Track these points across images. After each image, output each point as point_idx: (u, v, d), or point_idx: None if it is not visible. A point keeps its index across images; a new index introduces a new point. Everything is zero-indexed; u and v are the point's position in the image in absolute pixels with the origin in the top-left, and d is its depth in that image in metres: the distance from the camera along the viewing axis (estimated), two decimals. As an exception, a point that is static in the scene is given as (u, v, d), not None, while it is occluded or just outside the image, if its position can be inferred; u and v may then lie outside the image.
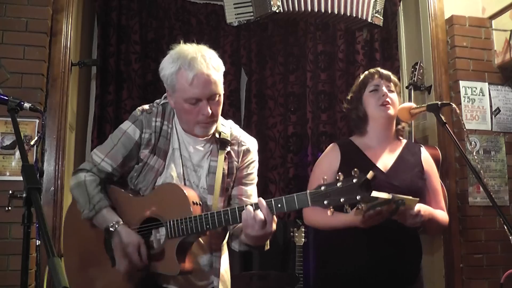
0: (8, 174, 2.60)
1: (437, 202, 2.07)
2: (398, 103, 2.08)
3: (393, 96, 2.06)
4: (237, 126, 1.83)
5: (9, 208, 2.39)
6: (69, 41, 2.85)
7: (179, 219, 1.57)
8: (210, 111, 1.61)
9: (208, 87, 1.60)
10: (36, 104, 2.54)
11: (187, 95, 1.60)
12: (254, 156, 1.80)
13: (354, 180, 1.38)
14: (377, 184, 1.81)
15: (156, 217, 1.63)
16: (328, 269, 2.06)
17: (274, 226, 1.51)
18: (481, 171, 3.02)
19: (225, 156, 1.72)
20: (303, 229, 3.30)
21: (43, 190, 2.64)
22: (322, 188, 1.41)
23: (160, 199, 1.64)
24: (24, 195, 1.15)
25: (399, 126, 2.12)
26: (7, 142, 2.62)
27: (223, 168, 1.71)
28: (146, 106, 1.76)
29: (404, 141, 2.16)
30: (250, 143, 1.80)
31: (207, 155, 1.73)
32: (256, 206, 1.48)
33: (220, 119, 1.77)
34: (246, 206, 1.49)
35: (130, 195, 1.72)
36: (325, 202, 1.40)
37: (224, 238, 1.79)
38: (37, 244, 2.36)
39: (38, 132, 2.62)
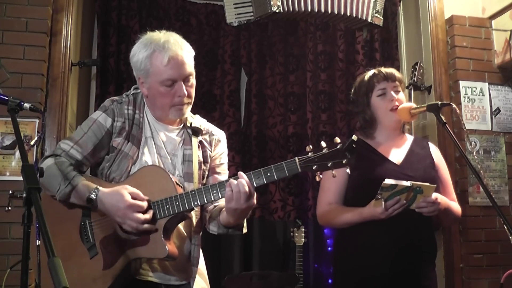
0: (8, 174, 2.60)
1: (449, 193, 2.10)
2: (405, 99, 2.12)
3: (400, 96, 2.09)
4: (205, 120, 1.86)
5: (9, 208, 2.39)
6: (69, 41, 2.85)
7: (164, 199, 1.54)
8: (185, 92, 1.64)
9: (183, 67, 1.63)
10: (36, 104, 2.54)
11: (163, 77, 1.62)
12: (224, 147, 1.84)
13: (339, 146, 1.45)
14: (392, 176, 1.85)
15: None
16: (346, 268, 2.06)
17: (255, 201, 1.52)
18: (481, 171, 3.02)
19: (198, 145, 1.74)
20: (303, 229, 3.30)
21: (43, 190, 2.64)
22: (310, 154, 1.47)
23: (140, 183, 1.58)
24: (24, 195, 1.15)
25: (404, 121, 2.14)
26: (7, 142, 2.62)
27: (198, 156, 1.72)
28: (116, 97, 1.76)
29: (410, 137, 2.19)
30: (220, 134, 1.85)
31: (181, 144, 1.73)
32: (237, 179, 1.50)
33: (189, 112, 1.78)
34: (229, 179, 1.51)
35: (106, 182, 1.65)
36: (314, 167, 1.47)
37: (201, 230, 1.77)
38: (37, 244, 2.35)
39: (38, 132, 2.63)
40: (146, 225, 1.52)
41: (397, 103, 2.06)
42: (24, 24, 2.71)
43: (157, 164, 1.67)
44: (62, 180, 1.57)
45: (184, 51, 1.64)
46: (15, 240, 2.51)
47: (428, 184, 1.84)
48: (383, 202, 1.82)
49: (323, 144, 1.47)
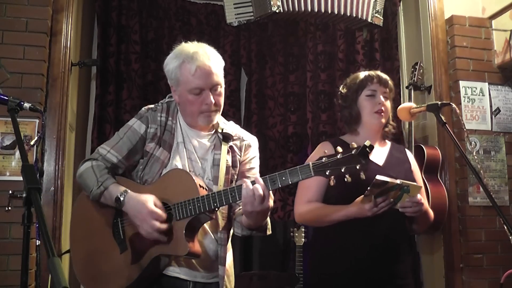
0: (8, 174, 2.60)
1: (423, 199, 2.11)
2: (390, 109, 2.15)
3: (388, 104, 2.13)
4: (238, 126, 1.94)
5: (9, 208, 2.39)
6: (69, 41, 2.85)
7: (187, 200, 1.62)
8: (213, 100, 1.72)
9: (210, 77, 1.72)
10: (36, 104, 2.54)
11: (190, 86, 1.71)
12: (255, 151, 1.90)
13: (353, 151, 1.48)
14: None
15: (164, 201, 1.68)
16: (320, 269, 2.07)
17: (271, 202, 1.58)
18: (481, 171, 3.02)
19: (228, 149, 1.81)
20: (303, 229, 3.30)
21: (43, 190, 2.65)
22: (324, 159, 1.50)
23: (167, 185, 1.69)
24: (24, 195, 1.15)
25: (386, 129, 2.17)
26: (7, 142, 2.62)
27: (227, 160, 1.79)
28: (151, 105, 1.87)
29: (389, 142, 2.23)
30: (251, 139, 1.92)
31: (211, 149, 1.81)
32: (254, 183, 1.55)
33: (222, 119, 1.88)
34: (246, 183, 1.56)
35: (137, 183, 1.78)
36: (327, 172, 1.49)
37: (230, 232, 1.84)
38: (37, 244, 2.36)
39: (38, 132, 2.62)
40: (159, 234, 1.61)
41: (383, 108, 2.09)
42: (24, 24, 2.71)
43: (187, 168, 1.75)
44: (96, 182, 1.70)
45: (211, 61, 1.73)
46: (15, 240, 2.51)
47: (415, 183, 1.87)
48: (373, 198, 1.83)
49: (339, 149, 1.51)
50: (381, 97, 2.10)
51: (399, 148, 2.25)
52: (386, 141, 2.22)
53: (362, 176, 1.47)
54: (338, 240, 2.00)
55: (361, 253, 1.95)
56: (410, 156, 2.23)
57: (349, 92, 2.16)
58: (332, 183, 1.50)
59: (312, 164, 1.51)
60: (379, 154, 2.13)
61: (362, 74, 2.16)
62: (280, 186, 1.54)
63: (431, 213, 2.10)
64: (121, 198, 1.65)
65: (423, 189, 2.15)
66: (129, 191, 1.67)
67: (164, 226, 1.60)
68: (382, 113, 2.09)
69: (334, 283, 1.99)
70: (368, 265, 1.94)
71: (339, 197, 2.00)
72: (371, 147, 1.47)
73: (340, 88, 2.23)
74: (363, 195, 1.85)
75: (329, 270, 2.01)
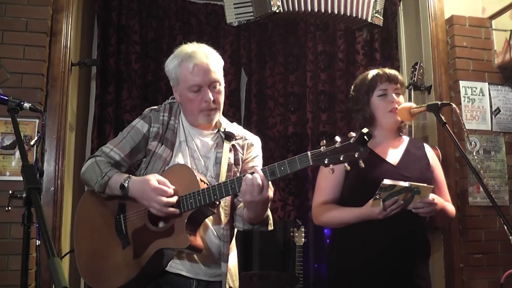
0: (8, 174, 2.60)
1: (443, 194, 2.11)
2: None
3: (401, 99, 2.11)
4: (241, 127, 1.97)
5: (9, 208, 2.39)
6: (69, 41, 2.85)
7: (188, 194, 1.64)
8: (211, 97, 1.75)
9: (208, 74, 1.75)
10: (36, 104, 2.54)
11: (189, 83, 1.76)
12: (257, 151, 1.92)
13: (351, 139, 1.47)
14: (389, 177, 1.86)
15: None
16: (340, 266, 2.07)
17: (271, 193, 1.59)
18: (481, 171, 3.02)
19: (230, 148, 1.83)
20: (303, 229, 3.30)
21: (43, 190, 2.65)
22: (322, 148, 1.51)
23: (168, 179, 1.70)
24: (24, 195, 1.15)
25: (402, 124, 2.15)
26: (7, 142, 2.62)
27: (229, 158, 1.81)
28: (155, 107, 1.92)
29: (406, 138, 2.21)
30: (254, 139, 1.94)
31: (214, 147, 1.83)
32: (253, 173, 1.57)
33: (225, 120, 1.91)
34: (245, 174, 1.58)
35: None
36: (326, 161, 1.50)
37: (233, 230, 1.85)
38: (37, 244, 2.36)
39: (38, 132, 2.62)
40: (170, 209, 1.62)
41: (396, 106, 2.07)
42: (24, 24, 2.71)
43: (190, 166, 1.76)
44: (99, 173, 1.74)
45: (210, 59, 1.77)
46: (15, 240, 2.51)
47: (425, 185, 1.86)
48: (381, 202, 1.83)
49: (337, 138, 1.51)
50: (393, 95, 2.08)
51: (416, 143, 2.21)
52: (403, 137, 2.18)
53: (361, 164, 1.47)
54: (358, 237, 1.99)
55: (380, 250, 1.94)
56: (429, 151, 2.18)
57: (359, 95, 2.14)
58: (331, 172, 1.50)
59: (310, 153, 1.51)
60: (394, 153, 2.10)
61: (370, 74, 2.13)
62: (279, 176, 1.55)
63: (449, 208, 2.08)
64: (125, 184, 1.68)
65: (444, 184, 2.14)
66: (132, 176, 1.70)
67: (172, 199, 1.62)
68: (397, 111, 2.07)
69: (353, 279, 1.98)
70: (388, 263, 1.94)
71: (352, 199, 2.00)
72: (369, 135, 1.46)
73: (351, 91, 2.21)
74: (372, 199, 1.85)
75: (348, 266, 2.01)
